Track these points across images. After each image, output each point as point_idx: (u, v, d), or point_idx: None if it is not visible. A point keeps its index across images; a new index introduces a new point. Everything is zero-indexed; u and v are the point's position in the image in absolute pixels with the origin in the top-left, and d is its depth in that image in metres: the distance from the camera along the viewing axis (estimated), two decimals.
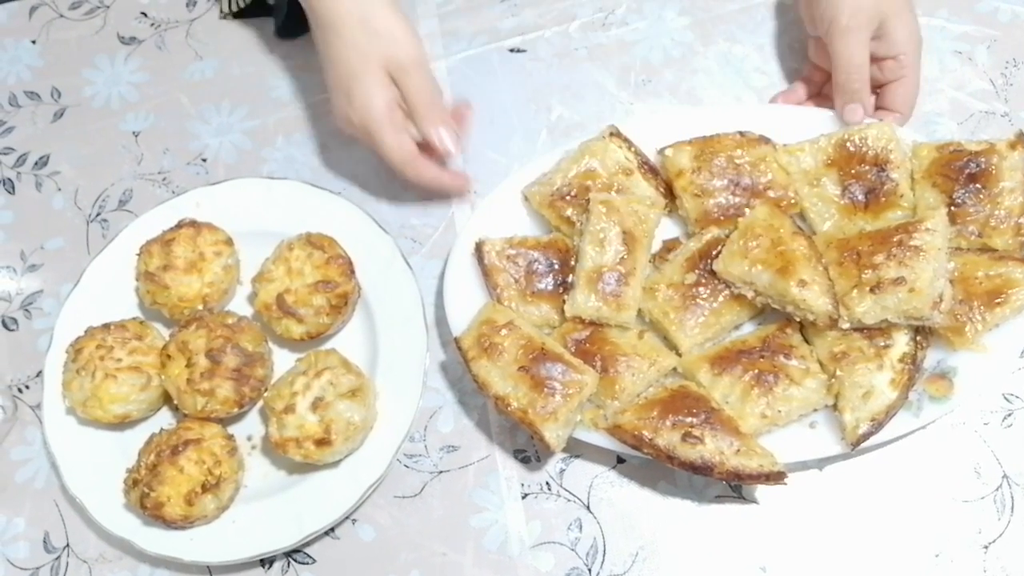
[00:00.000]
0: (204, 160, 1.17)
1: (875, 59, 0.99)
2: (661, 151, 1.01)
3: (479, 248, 0.99)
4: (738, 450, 0.87)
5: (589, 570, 0.93)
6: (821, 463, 0.93)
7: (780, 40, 1.14)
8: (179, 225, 1.04)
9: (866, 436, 0.87)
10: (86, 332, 1.01)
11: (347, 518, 0.97)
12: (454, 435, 1.00)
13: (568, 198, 1.00)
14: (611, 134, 1.02)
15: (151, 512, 0.93)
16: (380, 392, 0.99)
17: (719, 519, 0.93)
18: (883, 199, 0.97)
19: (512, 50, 1.18)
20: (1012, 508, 0.91)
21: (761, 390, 0.90)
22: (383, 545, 0.96)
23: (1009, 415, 0.94)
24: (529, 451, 0.98)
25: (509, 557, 0.94)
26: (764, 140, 1.00)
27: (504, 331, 0.92)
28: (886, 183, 0.97)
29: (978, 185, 0.94)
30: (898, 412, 0.89)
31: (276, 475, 0.99)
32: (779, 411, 0.89)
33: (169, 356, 0.98)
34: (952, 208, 0.94)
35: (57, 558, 1.00)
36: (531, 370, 0.90)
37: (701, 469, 0.86)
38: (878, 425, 0.88)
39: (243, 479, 0.99)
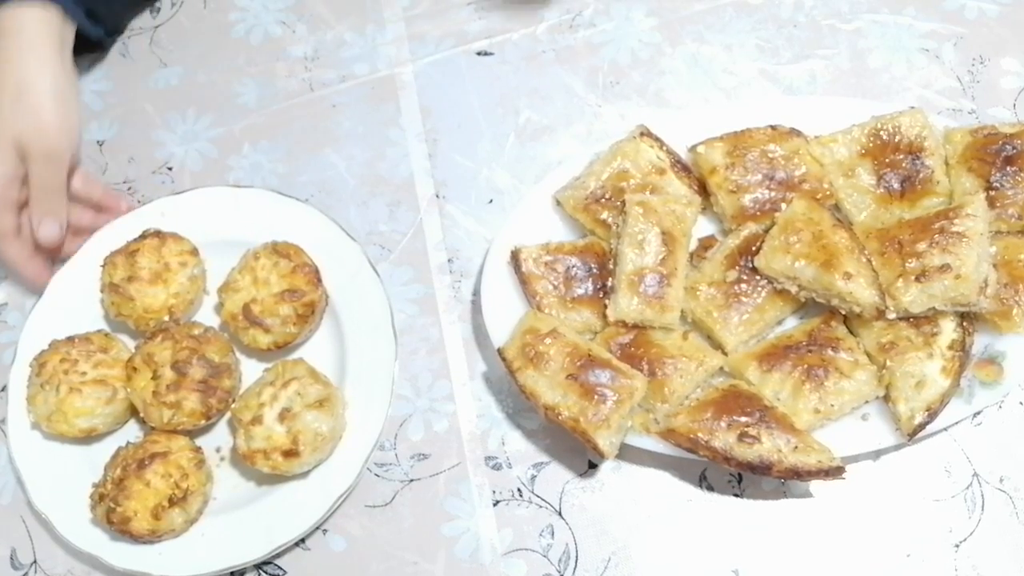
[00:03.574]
0: (170, 169, 1.16)
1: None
2: (693, 148, 1.02)
3: (515, 256, 1.00)
4: (795, 447, 0.88)
5: None
6: (876, 455, 0.95)
7: (747, 40, 1.16)
8: (143, 236, 1.05)
9: (922, 426, 0.90)
10: (50, 345, 1.02)
11: (317, 528, 0.97)
12: (424, 443, 1.00)
13: (603, 201, 1.01)
14: (641, 134, 1.03)
15: (118, 527, 0.94)
16: (349, 401, 0.99)
17: (691, 523, 0.95)
18: (919, 187, 0.99)
19: (479, 53, 1.19)
20: (982, 506, 0.93)
21: (812, 385, 0.91)
22: (354, 555, 0.97)
23: (979, 413, 0.95)
24: (500, 458, 0.98)
25: (481, 565, 0.95)
26: (796, 133, 1.02)
27: (548, 339, 0.93)
28: (921, 171, 0.99)
29: (1015, 168, 0.97)
30: (951, 400, 0.91)
31: (245, 487, 1.00)
32: (832, 405, 0.91)
33: (135, 368, 0.99)
34: (990, 192, 0.97)
35: (25, 574, 0.99)
36: (579, 377, 0.91)
37: (759, 469, 0.88)
38: (933, 414, 0.90)
39: (212, 491, 0.99)
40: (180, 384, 0.96)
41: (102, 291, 1.04)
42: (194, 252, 1.05)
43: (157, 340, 0.99)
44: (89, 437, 1.01)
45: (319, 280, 1.01)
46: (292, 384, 0.95)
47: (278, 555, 0.97)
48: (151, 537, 0.94)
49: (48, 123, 1.00)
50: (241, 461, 0.96)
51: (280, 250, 1.01)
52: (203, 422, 0.98)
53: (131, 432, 1.03)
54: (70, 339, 1.01)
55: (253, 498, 0.98)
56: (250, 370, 1.03)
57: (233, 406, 0.98)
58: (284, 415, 0.94)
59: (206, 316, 1.07)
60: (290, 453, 0.93)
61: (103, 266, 1.04)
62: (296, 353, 1.03)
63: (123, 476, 0.94)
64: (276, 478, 0.96)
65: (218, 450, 1.02)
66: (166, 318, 1.02)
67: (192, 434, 1.00)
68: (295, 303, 0.99)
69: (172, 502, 0.93)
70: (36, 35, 1.02)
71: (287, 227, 1.06)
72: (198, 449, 0.98)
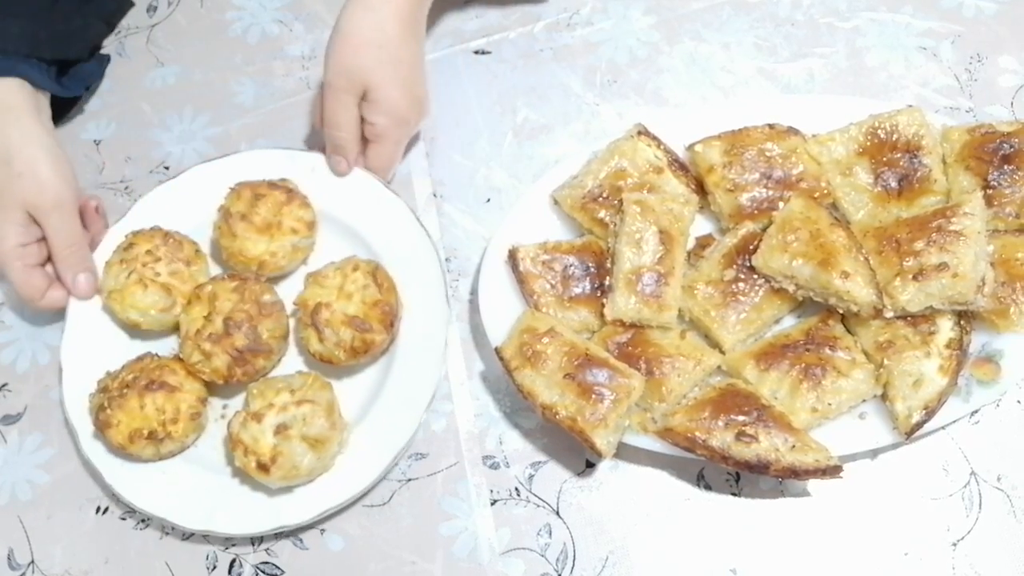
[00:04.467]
0: (167, 168, 1.17)
1: (364, 119, 1.05)
2: (690, 147, 1.02)
3: (513, 255, 1.00)
4: (793, 446, 0.88)
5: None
6: (873, 453, 0.95)
7: (745, 38, 1.17)
8: (277, 184, 1.05)
9: (920, 425, 0.90)
10: (149, 229, 1.04)
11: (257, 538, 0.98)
12: (422, 442, 1.01)
13: (600, 200, 1.01)
14: (639, 132, 1.03)
15: (98, 423, 0.97)
16: (349, 445, 0.98)
17: (689, 521, 0.95)
18: (916, 185, 0.99)
19: (477, 52, 1.19)
20: (980, 505, 0.92)
21: (810, 384, 0.91)
22: (352, 555, 0.97)
23: (976, 412, 0.95)
24: (498, 457, 0.98)
25: (479, 565, 0.95)
26: (793, 131, 1.02)
27: (546, 339, 0.93)
28: (919, 169, 0.99)
29: (1012, 166, 0.97)
30: (948, 398, 0.91)
31: (222, 457, 1.00)
32: (829, 404, 0.91)
33: (198, 297, 1.00)
34: (987, 190, 0.97)
35: (22, 574, 0.99)
36: (577, 377, 0.91)
37: (757, 468, 0.88)
38: (930, 413, 0.90)
39: (194, 440, 1.00)
40: (221, 339, 0.97)
41: (218, 211, 1.05)
42: (311, 225, 1.05)
43: (230, 285, 1.00)
44: (134, 329, 1.04)
45: (392, 324, 0.99)
46: (306, 406, 0.94)
47: (273, 551, 0.97)
48: (118, 450, 0.97)
49: (47, 178, 1.02)
50: (227, 440, 0.96)
51: (377, 276, 1.00)
52: (221, 383, 0.98)
53: (172, 343, 1.04)
54: (167, 234, 1.04)
55: (222, 471, 0.99)
56: (292, 359, 1.04)
57: (252, 386, 0.97)
58: (280, 430, 0.93)
59: (291, 286, 1.05)
60: (262, 466, 0.93)
61: (231, 189, 1.05)
62: (337, 373, 1.02)
63: (130, 384, 0.97)
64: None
65: (224, 407, 1.03)
66: (255, 268, 1.02)
67: (211, 385, 1.00)
68: (357, 334, 0.97)
69: (150, 436, 0.95)
70: (8, 107, 1.04)
71: (404, 247, 1.04)
72: (204, 401, 1.00)
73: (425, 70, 1.07)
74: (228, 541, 0.98)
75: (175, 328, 1.03)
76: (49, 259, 1.05)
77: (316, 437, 0.93)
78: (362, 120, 1.04)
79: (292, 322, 1.04)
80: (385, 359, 1.02)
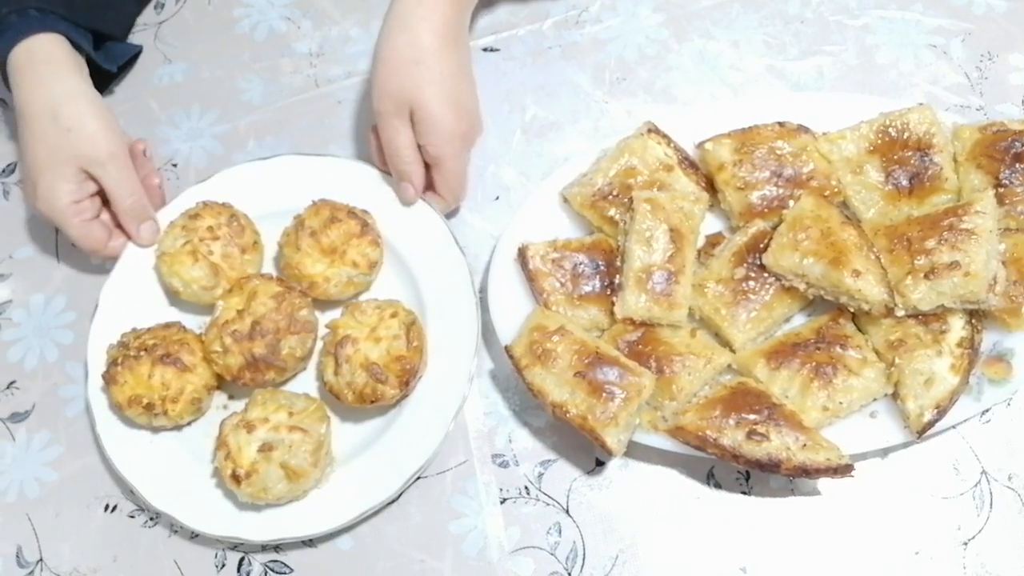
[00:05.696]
0: (175, 165, 1.17)
1: (419, 142, 1.02)
2: (700, 145, 1.02)
3: (522, 253, 1.00)
4: (804, 445, 0.88)
5: (569, 574, 0.93)
6: (884, 452, 0.95)
7: (755, 36, 1.16)
8: (354, 214, 1.03)
9: (931, 424, 0.90)
10: (220, 203, 1.05)
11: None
12: None
13: (610, 198, 1.01)
14: (649, 130, 1.03)
15: (106, 375, 0.98)
16: (337, 480, 0.97)
17: (699, 520, 0.95)
18: (927, 184, 0.99)
19: (485, 49, 1.19)
20: (991, 504, 0.92)
21: (821, 383, 0.91)
22: (361, 553, 0.97)
23: (987, 411, 0.95)
24: (507, 455, 0.98)
25: (488, 563, 0.95)
26: (803, 129, 1.02)
27: (556, 337, 0.93)
28: (930, 167, 0.99)
29: (1023, 165, 0.97)
30: (959, 397, 0.91)
31: (209, 449, 0.99)
32: (840, 403, 0.91)
33: (240, 288, 1.00)
34: (999, 189, 0.97)
35: (31, 572, 0.99)
36: (587, 375, 0.91)
37: (768, 466, 0.88)
38: (942, 412, 0.90)
39: (190, 422, 1.01)
40: (242, 340, 0.97)
41: (293, 218, 1.04)
42: (373, 265, 1.03)
43: (273, 288, 0.99)
44: (173, 295, 1.04)
45: (408, 383, 0.97)
46: (296, 434, 0.93)
47: (282, 550, 0.97)
48: (114, 408, 0.99)
49: (95, 131, 1.02)
50: (215, 439, 0.96)
51: (411, 332, 0.97)
52: (229, 379, 0.98)
53: (204, 320, 1.04)
54: (234, 215, 1.04)
55: (204, 462, 0.99)
56: (309, 375, 1.03)
57: (259, 392, 0.97)
58: (264, 448, 0.92)
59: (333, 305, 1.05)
60: (235, 477, 0.92)
61: (314, 203, 1.04)
62: (343, 409, 1.00)
63: (148, 349, 0.97)
64: None
65: (231, 397, 1.03)
66: (304, 285, 1.01)
67: (222, 376, 1.00)
68: (371, 381, 0.95)
69: (147, 407, 0.96)
70: (49, 60, 1.04)
71: (450, 312, 1.01)
72: (211, 390, 1.00)
73: (473, 80, 1.05)
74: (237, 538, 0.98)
75: (212, 307, 1.02)
76: (104, 210, 1.06)
77: (295, 469, 0.92)
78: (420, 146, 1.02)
79: (320, 344, 1.02)
80: (394, 411, 1.00)
